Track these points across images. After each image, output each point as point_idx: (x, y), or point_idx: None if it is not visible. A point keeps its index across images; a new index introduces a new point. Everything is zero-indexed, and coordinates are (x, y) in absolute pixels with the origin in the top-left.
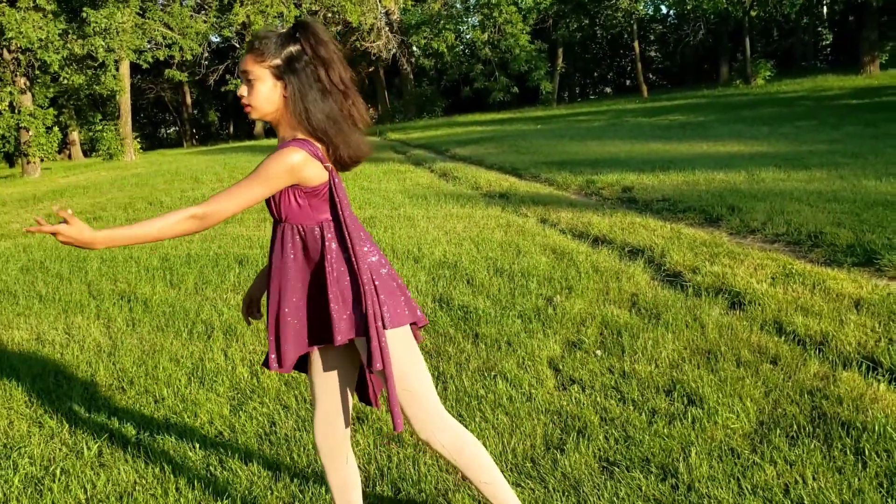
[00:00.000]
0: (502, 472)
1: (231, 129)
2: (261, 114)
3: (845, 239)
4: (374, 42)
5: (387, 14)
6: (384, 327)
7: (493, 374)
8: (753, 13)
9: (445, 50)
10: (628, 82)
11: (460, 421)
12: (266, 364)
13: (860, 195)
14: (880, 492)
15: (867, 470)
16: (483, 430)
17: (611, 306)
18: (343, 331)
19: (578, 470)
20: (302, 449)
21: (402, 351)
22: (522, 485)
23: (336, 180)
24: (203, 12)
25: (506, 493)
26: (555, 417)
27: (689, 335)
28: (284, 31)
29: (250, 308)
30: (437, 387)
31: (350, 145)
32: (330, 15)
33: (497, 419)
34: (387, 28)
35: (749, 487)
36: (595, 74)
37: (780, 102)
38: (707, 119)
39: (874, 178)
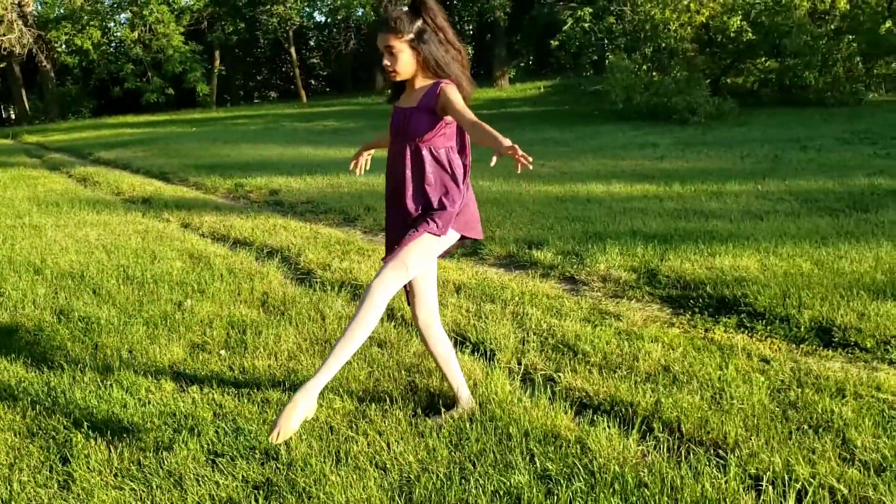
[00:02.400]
0: (105, 478)
1: None
2: (404, 76)
3: None
4: (4, 35)
5: (20, 5)
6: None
7: (108, 383)
8: None
9: (91, 47)
10: (293, 87)
11: (66, 434)
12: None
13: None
14: (449, 448)
15: (442, 430)
16: (91, 440)
17: (241, 306)
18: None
19: (184, 465)
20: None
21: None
22: (124, 487)
23: None
24: None
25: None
26: (168, 419)
27: (311, 327)
28: (407, 8)
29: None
30: (45, 401)
31: (470, 84)
32: None
33: (108, 427)
34: (20, 21)
35: (343, 459)
36: (258, 78)
37: None
38: (357, 125)
39: (488, 180)
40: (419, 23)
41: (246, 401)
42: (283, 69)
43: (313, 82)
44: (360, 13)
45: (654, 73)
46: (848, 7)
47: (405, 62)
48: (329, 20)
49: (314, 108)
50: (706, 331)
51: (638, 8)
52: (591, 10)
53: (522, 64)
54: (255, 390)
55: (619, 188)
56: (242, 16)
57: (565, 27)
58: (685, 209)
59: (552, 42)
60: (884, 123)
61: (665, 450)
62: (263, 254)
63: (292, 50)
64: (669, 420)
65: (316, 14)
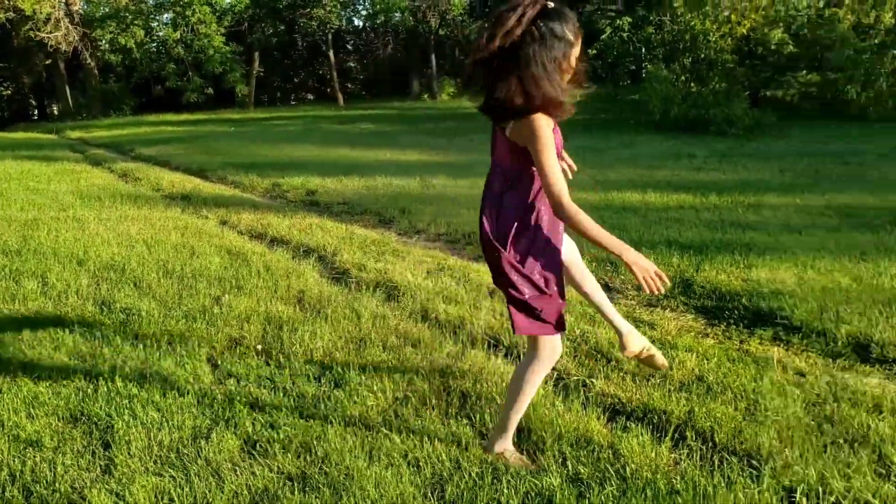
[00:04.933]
0: (146, 464)
1: None
2: None
3: None
4: (51, 33)
5: (67, 4)
6: None
7: (148, 373)
8: (442, 32)
9: (134, 46)
10: (329, 90)
11: (108, 420)
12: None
13: None
14: (478, 441)
15: (475, 427)
16: (131, 427)
17: (277, 303)
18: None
19: (221, 455)
20: None
21: None
22: (164, 474)
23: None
24: None
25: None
26: (206, 410)
27: (346, 326)
28: None
29: None
30: (87, 388)
31: None
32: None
33: (147, 415)
34: (66, 19)
35: (376, 455)
36: (295, 80)
37: (460, 117)
38: (394, 129)
39: None
40: None
41: (282, 395)
42: (320, 72)
43: (350, 85)
44: (397, 17)
45: (692, 85)
46: (893, 21)
47: None
48: (367, 24)
49: (351, 110)
50: (741, 342)
51: (678, 18)
52: (630, 19)
53: None
54: (291, 385)
55: (654, 198)
56: (283, 18)
57: (603, 36)
58: (722, 220)
59: (589, 51)
60: None
61: (698, 458)
62: (300, 252)
63: (331, 53)
64: (703, 429)
65: (354, 18)
